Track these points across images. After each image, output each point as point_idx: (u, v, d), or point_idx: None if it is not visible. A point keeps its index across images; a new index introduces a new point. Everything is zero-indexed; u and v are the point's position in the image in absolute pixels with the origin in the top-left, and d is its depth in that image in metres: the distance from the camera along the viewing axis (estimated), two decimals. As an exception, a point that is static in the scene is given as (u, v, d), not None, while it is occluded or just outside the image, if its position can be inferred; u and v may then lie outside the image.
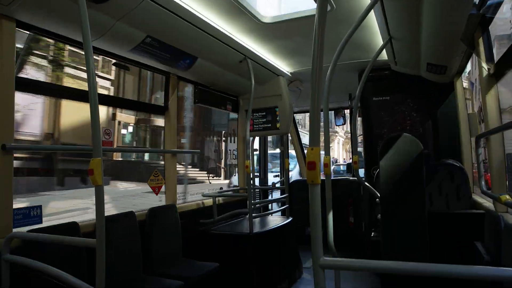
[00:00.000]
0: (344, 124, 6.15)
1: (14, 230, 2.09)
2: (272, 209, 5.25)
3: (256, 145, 5.53)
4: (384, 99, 4.35)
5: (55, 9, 2.11)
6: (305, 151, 5.72)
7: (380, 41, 3.32)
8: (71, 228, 2.34)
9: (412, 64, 3.65)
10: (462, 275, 1.09)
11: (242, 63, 3.54)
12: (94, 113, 1.60)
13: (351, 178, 5.35)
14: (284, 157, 4.98)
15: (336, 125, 6.14)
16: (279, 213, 4.82)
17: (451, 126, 3.86)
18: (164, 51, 2.89)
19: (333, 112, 5.94)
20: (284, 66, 4.31)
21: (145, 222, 2.97)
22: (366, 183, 3.47)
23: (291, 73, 4.46)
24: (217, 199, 3.83)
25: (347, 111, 5.95)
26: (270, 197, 5.75)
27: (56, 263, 1.83)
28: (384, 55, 3.61)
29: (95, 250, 2.30)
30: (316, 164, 1.26)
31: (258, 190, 5.51)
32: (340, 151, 41.79)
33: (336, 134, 40.50)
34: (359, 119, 4.41)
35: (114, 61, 2.89)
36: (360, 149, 4.85)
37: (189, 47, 3.03)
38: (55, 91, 2.50)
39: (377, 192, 3.14)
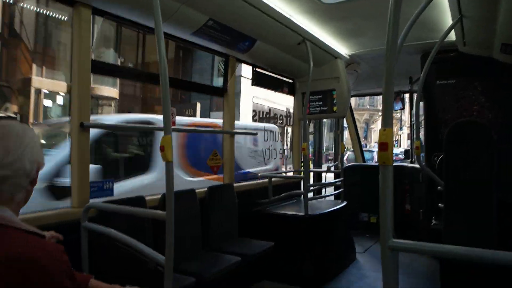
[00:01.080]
0: (403, 108, 5.92)
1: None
2: (325, 193, 5.23)
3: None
4: (449, 83, 4.12)
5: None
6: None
7: (448, 20, 3.12)
8: (138, 201, 2.51)
9: (484, 44, 3.41)
10: None
11: (301, 45, 3.51)
12: (165, 94, 1.68)
13: (409, 164, 5.17)
14: (339, 141, 4.92)
15: (394, 110, 5.91)
16: (332, 196, 4.81)
17: None
18: (224, 33, 2.94)
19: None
20: (342, 48, 4.21)
21: (205, 200, 3.10)
22: (429, 170, 3.34)
23: (349, 55, 4.36)
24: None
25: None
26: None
27: (125, 232, 1.97)
28: (451, 36, 3.41)
29: (161, 222, 2.46)
30: (388, 145, 1.25)
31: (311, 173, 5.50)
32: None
33: (380, 114, 36.05)
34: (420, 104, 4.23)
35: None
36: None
37: (249, 29, 3.06)
38: (127, 74, 2.65)
39: (440, 180, 3.03)
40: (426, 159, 4.08)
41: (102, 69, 2.41)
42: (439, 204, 3.00)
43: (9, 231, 1.05)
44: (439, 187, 3.11)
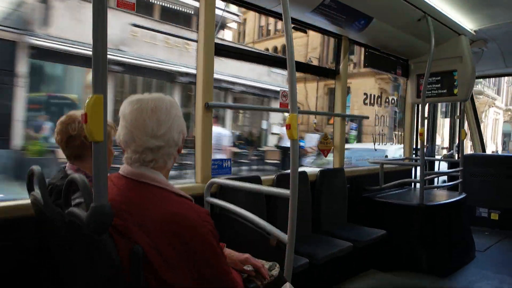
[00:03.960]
0: None
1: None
2: (438, 183, 4.84)
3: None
4: None
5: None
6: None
7: None
8: (255, 180, 2.58)
9: None
10: None
11: (421, 22, 3.23)
12: (292, 77, 1.68)
13: None
14: (460, 127, 4.47)
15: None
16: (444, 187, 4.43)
17: None
18: (341, 11, 2.84)
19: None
20: (467, 22, 3.76)
21: (316, 183, 3.08)
22: None
23: (475, 31, 3.89)
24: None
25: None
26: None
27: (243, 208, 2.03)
28: None
29: (276, 202, 2.50)
30: None
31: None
32: (496, 131, 28.14)
33: (492, 101, 24.69)
34: None
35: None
36: None
37: (367, 6, 2.91)
38: (252, 57, 2.71)
39: None
40: None
41: (225, 52, 2.50)
42: None
43: (166, 194, 1.16)
44: None
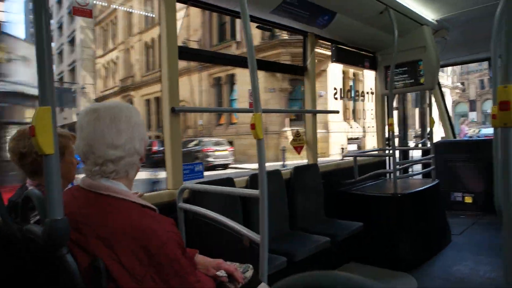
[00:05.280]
0: None
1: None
2: (412, 171, 4.94)
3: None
4: None
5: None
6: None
7: None
8: (227, 182, 2.57)
9: None
10: None
11: (383, 14, 3.28)
12: (253, 76, 1.67)
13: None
14: (427, 115, 4.58)
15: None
16: (420, 175, 4.52)
17: None
18: (303, 9, 2.86)
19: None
20: (428, 13, 3.85)
21: (290, 180, 3.08)
22: None
23: (436, 20, 3.98)
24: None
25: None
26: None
27: (217, 212, 2.02)
28: None
29: (251, 203, 2.49)
30: (510, 104, 1.10)
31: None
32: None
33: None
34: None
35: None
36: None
37: (329, 1, 2.93)
38: (214, 58, 2.70)
39: None
40: None
41: (188, 54, 2.48)
42: None
43: (127, 204, 1.12)
44: None
